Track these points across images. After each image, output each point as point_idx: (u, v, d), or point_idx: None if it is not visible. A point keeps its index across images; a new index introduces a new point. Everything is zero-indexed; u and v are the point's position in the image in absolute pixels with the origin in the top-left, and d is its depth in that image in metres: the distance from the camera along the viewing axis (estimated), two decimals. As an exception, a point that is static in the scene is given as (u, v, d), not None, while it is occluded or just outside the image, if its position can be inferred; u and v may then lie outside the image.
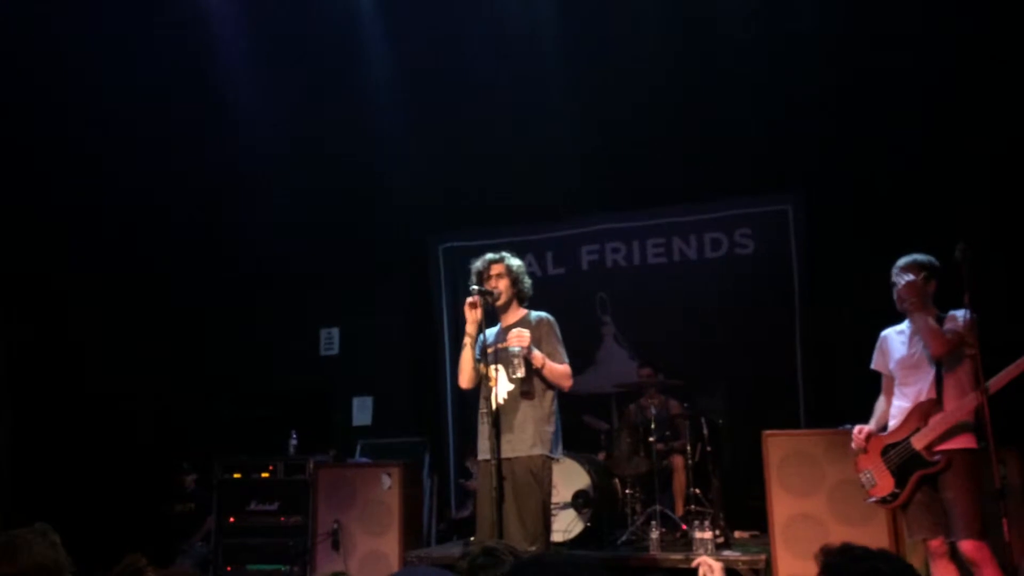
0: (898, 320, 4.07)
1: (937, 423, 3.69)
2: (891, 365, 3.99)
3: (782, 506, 4.98)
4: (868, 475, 3.95)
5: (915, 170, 6.02)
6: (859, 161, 6.21)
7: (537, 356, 3.93)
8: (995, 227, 5.49)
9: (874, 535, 4.69)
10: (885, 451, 3.87)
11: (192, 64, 6.56)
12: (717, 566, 2.49)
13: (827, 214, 6.51)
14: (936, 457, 3.67)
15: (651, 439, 5.84)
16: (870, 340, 5.44)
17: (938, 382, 3.74)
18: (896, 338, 4.03)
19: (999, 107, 5.66)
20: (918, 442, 3.72)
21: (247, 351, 7.59)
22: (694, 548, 5.16)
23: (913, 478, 3.73)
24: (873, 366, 4.14)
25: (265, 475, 6.25)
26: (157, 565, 2.59)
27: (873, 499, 3.95)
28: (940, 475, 3.66)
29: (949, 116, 5.84)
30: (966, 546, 3.54)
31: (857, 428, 4.03)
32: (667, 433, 6.10)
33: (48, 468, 6.23)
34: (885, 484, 3.85)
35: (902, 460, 3.78)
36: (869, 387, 5.29)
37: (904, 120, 6.02)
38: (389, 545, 5.74)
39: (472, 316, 3.96)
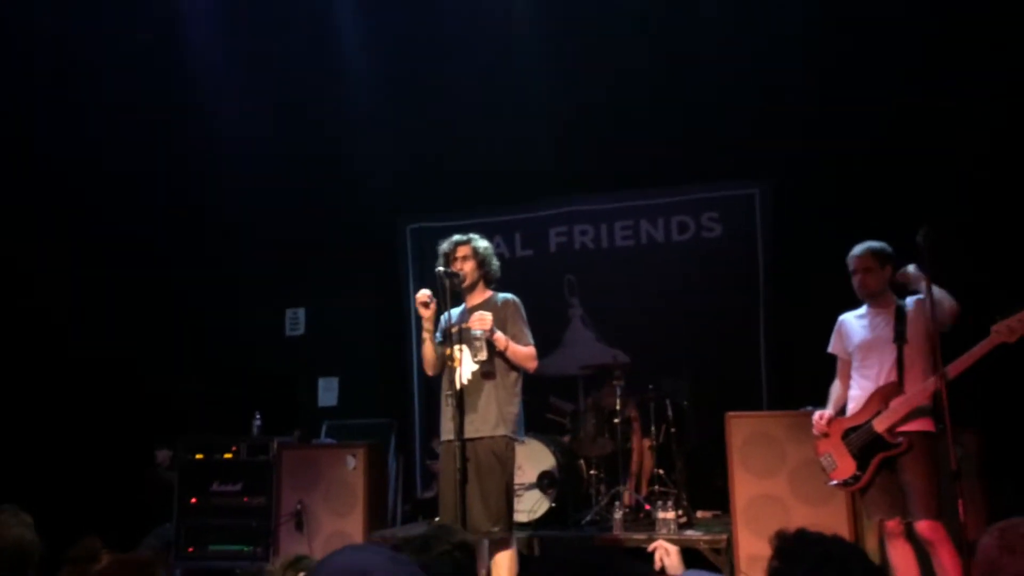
0: (859, 305, 4.12)
1: (899, 405, 3.75)
2: (850, 348, 4.05)
3: (744, 487, 5.04)
4: (829, 458, 4.00)
5: (881, 157, 6.07)
6: (826, 147, 6.24)
7: (500, 339, 3.94)
8: (959, 212, 5.57)
9: (834, 516, 4.77)
10: (846, 434, 3.92)
11: (165, 31, 6.46)
12: (673, 549, 2.51)
13: (793, 199, 6.56)
14: (898, 439, 3.73)
15: (615, 421, 5.88)
16: (833, 323, 5.52)
17: (899, 365, 3.80)
18: (856, 322, 4.08)
19: (966, 94, 5.72)
20: (879, 424, 3.78)
21: (211, 331, 7.50)
22: (657, 528, 5.22)
23: (875, 460, 3.79)
24: (830, 349, 4.20)
25: (228, 456, 6.18)
26: (126, 545, 2.56)
27: (834, 482, 4.00)
28: (899, 457, 3.73)
29: (916, 102, 5.89)
30: (923, 526, 3.62)
31: (818, 414, 4.08)
32: (629, 416, 6.14)
33: (12, 443, 6.12)
34: (846, 467, 3.90)
35: (863, 443, 3.83)
36: (831, 371, 5.37)
37: (871, 106, 6.07)
38: (353, 526, 5.73)
39: (425, 313, 3.96)
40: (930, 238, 3.60)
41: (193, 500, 6.14)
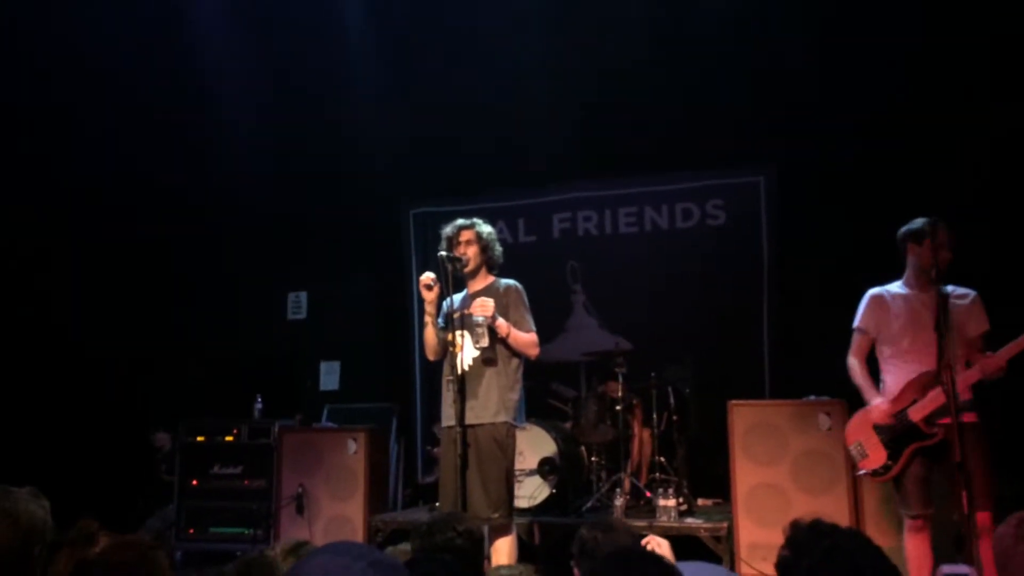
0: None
1: (936, 395, 3.61)
2: (885, 328, 3.84)
3: (745, 475, 5.04)
4: (859, 447, 3.88)
5: (887, 144, 6.03)
6: (831, 134, 6.21)
7: (502, 325, 3.92)
8: (966, 201, 5.52)
9: (835, 505, 4.77)
10: (878, 424, 3.81)
11: (166, 11, 6.41)
12: (664, 543, 2.51)
13: (799, 188, 6.52)
14: (934, 430, 3.62)
15: (617, 408, 5.87)
16: (837, 312, 5.47)
17: (939, 354, 3.62)
18: (895, 300, 3.87)
19: (971, 80, 5.68)
20: (915, 414, 3.66)
21: (213, 314, 7.49)
22: (657, 515, 5.21)
23: (907, 451, 3.67)
24: (861, 325, 3.96)
25: (229, 438, 6.20)
26: (127, 527, 2.56)
27: (863, 471, 3.89)
28: (950, 449, 3.54)
29: (922, 89, 5.85)
30: (984, 516, 3.42)
31: (883, 403, 3.80)
32: (632, 402, 6.12)
33: (13, 426, 6.13)
34: (877, 456, 3.79)
35: (897, 433, 3.72)
36: (833, 360, 5.33)
37: (877, 93, 6.03)
38: (354, 510, 5.73)
39: (428, 296, 3.93)
40: (935, 228, 3.56)
41: (194, 482, 6.16)
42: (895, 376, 3.81)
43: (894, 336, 3.82)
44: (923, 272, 3.79)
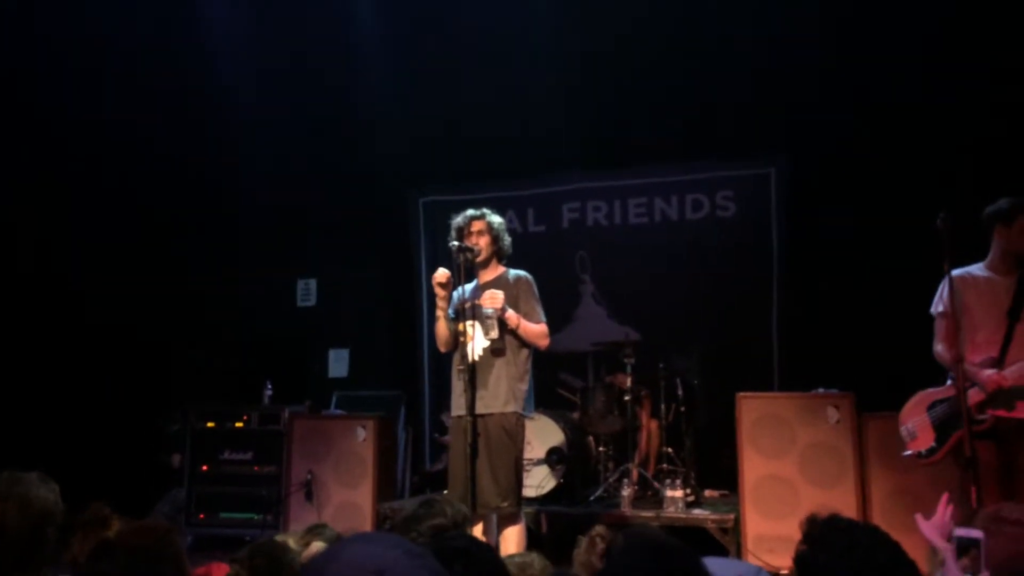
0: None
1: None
2: (971, 313, 3.69)
3: (753, 467, 5.05)
4: (910, 428, 3.83)
5: (899, 135, 6.00)
6: (842, 127, 6.19)
7: (511, 317, 3.94)
8: (978, 196, 5.48)
9: (843, 498, 4.78)
10: (932, 406, 3.75)
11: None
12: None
13: (809, 180, 6.49)
14: (983, 417, 3.55)
15: (625, 398, 5.88)
16: (846, 306, 5.47)
17: (1005, 341, 3.57)
18: (975, 281, 3.75)
19: (986, 72, 5.64)
20: (970, 399, 3.55)
21: (223, 300, 7.52)
22: (664, 506, 5.23)
23: (954, 436, 3.59)
24: (941, 309, 3.78)
25: (239, 424, 6.24)
26: (138, 511, 2.59)
27: (909, 452, 3.83)
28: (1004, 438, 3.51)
29: (935, 83, 5.82)
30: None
31: (990, 373, 3.61)
32: (641, 393, 6.13)
33: (24, 410, 6.17)
34: (925, 438, 3.74)
35: (947, 416, 3.66)
36: (843, 353, 5.34)
37: (889, 86, 6.00)
38: (363, 497, 5.77)
39: (441, 292, 3.95)
40: (949, 223, 3.53)
41: (204, 468, 6.20)
42: (967, 359, 3.65)
43: (973, 321, 3.69)
44: (1010, 255, 3.68)
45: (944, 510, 2.22)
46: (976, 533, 1.88)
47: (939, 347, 3.78)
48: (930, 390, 3.84)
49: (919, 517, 2.30)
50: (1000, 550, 1.86)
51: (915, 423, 3.81)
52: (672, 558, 1.52)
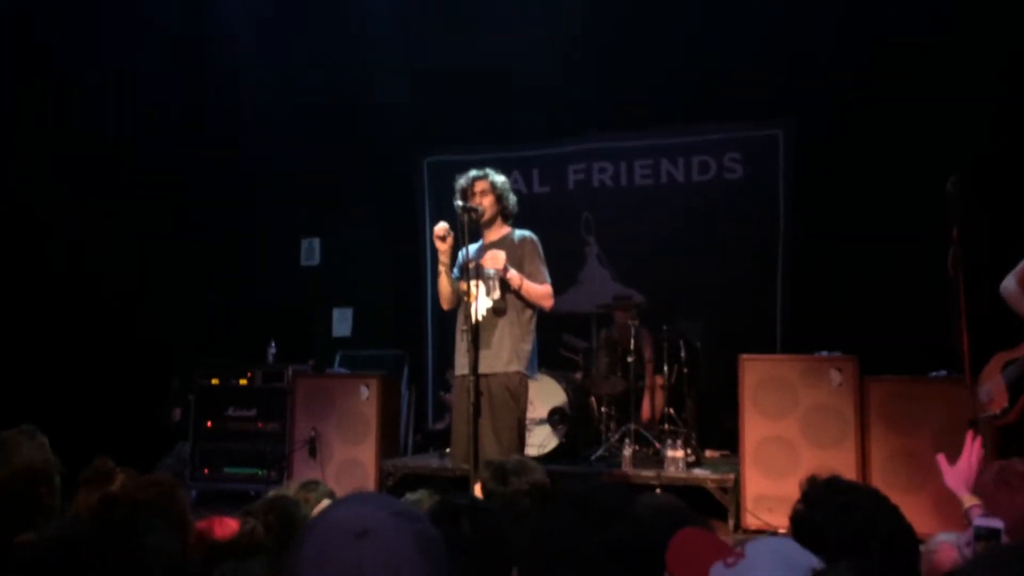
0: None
1: None
2: None
3: (754, 428, 5.07)
4: (987, 389, 3.77)
5: (909, 99, 5.92)
6: (852, 88, 6.11)
7: (514, 277, 3.93)
8: (988, 159, 5.43)
9: (843, 460, 4.80)
10: (1005, 367, 3.71)
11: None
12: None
13: (817, 142, 6.42)
14: None
15: (628, 359, 5.89)
16: (851, 269, 5.45)
17: None
18: None
19: (999, 34, 5.55)
20: None
21: (226, 258, 7.52)
22: (665, 466, 5.27)
23: (1022, 397, 3.55)
24: None
25: (243, 382, 6.28)
26: (143, 466, 2.60)
27: (986, 414, 3.76)
28: None
29: (945, 44, 5.72)
30: None
31: None
32: (643, 355, 6.14)
33: (28, 367, 6.20)
34: (999, 400, 3.69)
35: (1017, 377, 3.62)
36: (847, 317, 5.33)
37: (899, 47, 5.90)
38: (366, 454, 5.81)
39: (442, 247, 3.93)
40: (960, 186, 3.49)
41: (208, 424, 6.25)
42: None
43: None
44: None
45: (969, 457, 2.20)
46: (996, 523, 1.86)
47: (1008, 281, 3.64)
48: (1004, 352, 3.74)
49: (942, 461, 2.26)
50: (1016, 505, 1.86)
51: (992, 384, 3.74)
52: None
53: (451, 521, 1.65)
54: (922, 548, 1.78)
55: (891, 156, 5.94)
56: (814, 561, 1.28)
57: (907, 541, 1.63)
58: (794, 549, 1.33)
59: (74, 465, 2.40)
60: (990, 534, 1.84)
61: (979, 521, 1.90)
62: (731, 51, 6.42)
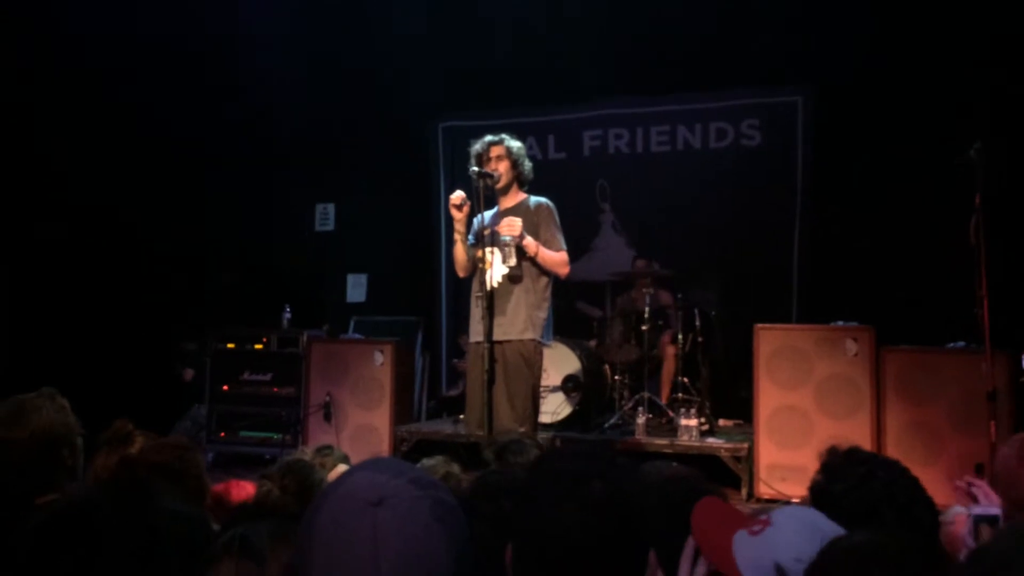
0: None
1: None
2: None
3: (768, 397, 5.06)
4: None
5: (929, 67, 5.81)
6: (871, 55, 6.00)
7: (530, 244, 3.91)
8: (1013, 126, 5.34)
9: (858, 431, 4.78)
10: None
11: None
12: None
13: (837, 108, 6.33)
14: None
15: (643, 327, 5.87)
16: (869, 239, 5.40)
17: None
18: None
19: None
20: None
21: (242, 224, 7.52)
22: (679, 434, 5.28)
23: None
24: None
25: (259, 347, 6.32)
26: (159, 428, 2.62)
27: None
28: None
29: (968, 8, 5.60)
30: None
31: None
32: (659, 323, 6.11)
33: (47, 331, 6.25)
34: None
35: None
36: (864, 286, 5.28)
37: (920, 13, 5.78)
38: (380, 419, 5.85)
39: (458, 215, 3.91)
40: (983, 154, 3.43)
41: (224, 387, 6.30)
42: None
43: None
44: None
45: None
46: (995, 510, 1.86)
47: None
48: None
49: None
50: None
51: None
52: None
53: (498, 458, 1.60)
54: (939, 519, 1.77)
55: (911, 124, 5.85)
56: (839, 531, 1.27)
57: (926, 512, 1.62)
58: (819, 518, 1.33)
59: (92, 427, 2.42)
60: (990, 520, 1.84)
61: (977, 510, 1.89)
62: (750, 16, 6.33)
